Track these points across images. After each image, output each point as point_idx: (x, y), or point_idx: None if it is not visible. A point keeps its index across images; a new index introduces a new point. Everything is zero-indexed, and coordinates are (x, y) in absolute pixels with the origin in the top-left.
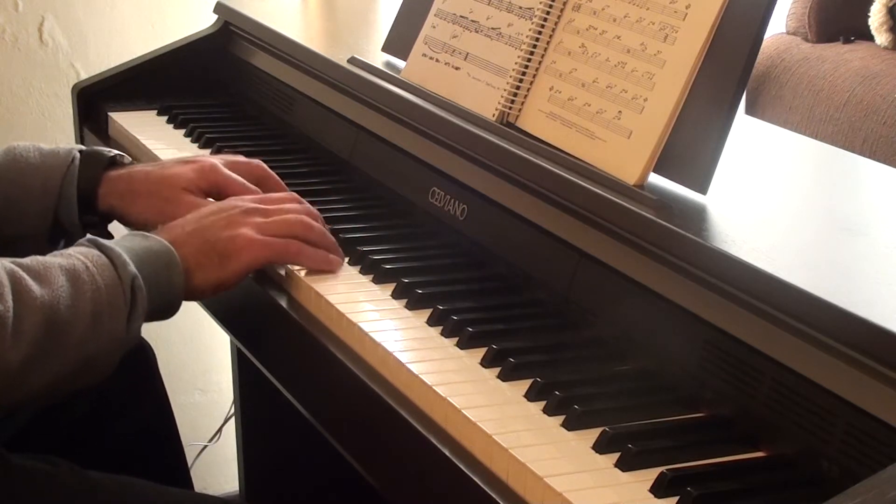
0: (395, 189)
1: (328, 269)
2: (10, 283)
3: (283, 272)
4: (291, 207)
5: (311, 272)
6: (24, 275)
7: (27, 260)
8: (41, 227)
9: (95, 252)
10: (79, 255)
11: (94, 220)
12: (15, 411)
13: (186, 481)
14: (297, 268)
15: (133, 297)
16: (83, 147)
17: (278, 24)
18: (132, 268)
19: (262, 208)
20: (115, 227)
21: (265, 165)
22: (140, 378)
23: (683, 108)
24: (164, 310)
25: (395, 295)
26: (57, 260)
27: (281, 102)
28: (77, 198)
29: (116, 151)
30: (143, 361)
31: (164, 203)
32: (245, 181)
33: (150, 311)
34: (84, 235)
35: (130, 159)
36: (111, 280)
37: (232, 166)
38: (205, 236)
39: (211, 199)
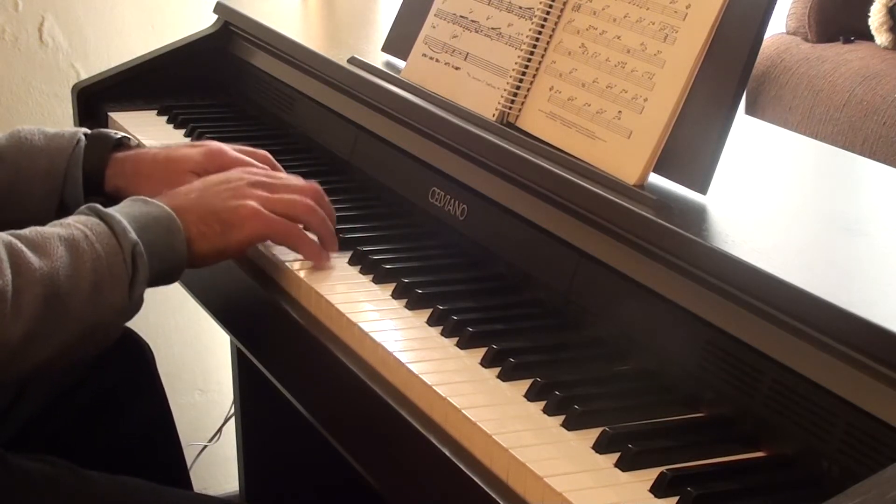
0: (395, 189)
1: (318, 263)
2: (9, 257)
3: (282, 270)
4: (297, 186)
5: (310, 271)
6: (23, 247)
7: (26, 231)
8: (47, 210)
9: (95, 220)
10: (78, 224)
11: (100, 202)
12: (18, 383)
13: (185, 481)
14: (296, 266)
15: (134, 264)
16: (88, 130)
17: (278, 24)
18: (132, 235)
19: (268, 182)
20: None
21: (271, 156)
22: (139, 378)
23: (683, 108)
24: (167, 276)
25: (395, 295)
26: (56, 230)
27: (281, 102)
28: (83, 179)
29: (123, 133)
30: (142, 361)
31: (170, 185)
32: (253, 161)
33: (153, 277)
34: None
35: (137, 141)
36: (111, 248)
37: (239, 151)
38: (208, 204)
39: None
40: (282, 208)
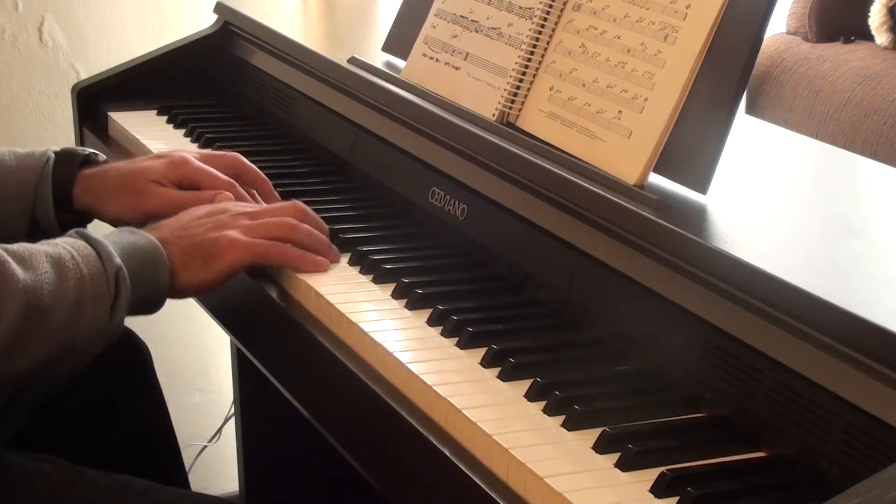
0: (395, 189)
1: (314, 270)
2: None
3: (282, 270)
4: (278, 209)
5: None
6: (9, 259)
7: (13, 245)
8: (20, 230)
9: (82, 243)
10: (65, 244)
11: (71, 220)
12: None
13: (183, 482)
14: None
15: (117, 287)
16: (57, 148)
17: (278, 24)
18: (117, 259)
19: (251, 212)
20: (97, 227)
21: (242, 157)
22: (137, 378)
23: (683, 108)
24: (149, 304)
25: (395, 295)
26: (43, 247)
27: (281, 102)
28: (53, 197)
29: (91, 150)
30: (139, 362)
31: (134, 196)
32: (217, 172)
33: (134, 304)
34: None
35: (105, 157)
36: (95, 270)
37: (205, 159)
38: (191, 237)
39: (185, 191)
40: (262, 233)
